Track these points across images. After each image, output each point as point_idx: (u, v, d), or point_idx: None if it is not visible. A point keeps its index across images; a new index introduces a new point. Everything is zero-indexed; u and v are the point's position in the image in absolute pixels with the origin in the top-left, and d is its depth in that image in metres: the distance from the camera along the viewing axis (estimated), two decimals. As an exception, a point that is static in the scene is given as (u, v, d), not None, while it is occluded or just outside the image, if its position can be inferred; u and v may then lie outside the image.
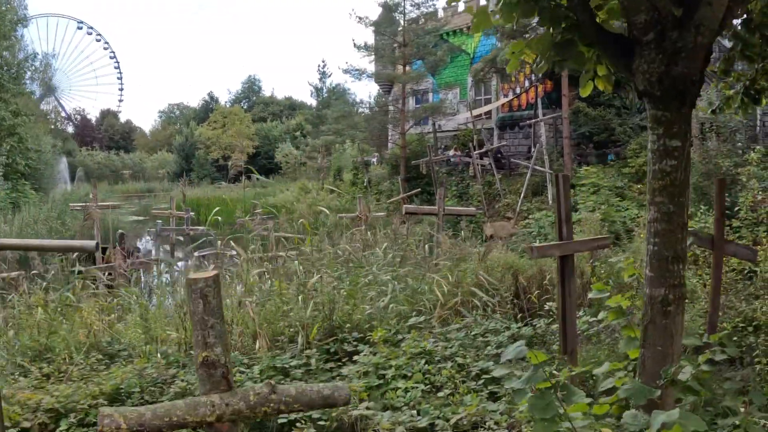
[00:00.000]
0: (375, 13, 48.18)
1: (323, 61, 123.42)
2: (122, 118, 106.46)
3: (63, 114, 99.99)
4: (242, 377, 6.23)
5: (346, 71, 33.79)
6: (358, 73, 33.85)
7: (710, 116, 23.25)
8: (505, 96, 34.67)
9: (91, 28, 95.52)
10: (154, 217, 31.61)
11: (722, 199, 6.41)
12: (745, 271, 9.54)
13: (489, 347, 7.14)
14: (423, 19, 33.38)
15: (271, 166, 70.15)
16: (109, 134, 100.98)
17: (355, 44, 34.24)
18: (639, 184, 24.99)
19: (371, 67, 35.15)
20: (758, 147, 21.73)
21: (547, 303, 8.91)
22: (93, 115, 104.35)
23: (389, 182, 33.61)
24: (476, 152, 28.54)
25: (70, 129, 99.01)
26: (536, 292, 9.82)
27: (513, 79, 34.96)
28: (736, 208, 13.96)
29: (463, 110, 38.02)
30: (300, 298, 8.12)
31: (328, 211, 21.05)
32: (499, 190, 28.92)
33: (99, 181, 68.22)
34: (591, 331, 7.34)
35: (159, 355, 6.94)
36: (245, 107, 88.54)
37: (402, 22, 31.76)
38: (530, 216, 24.31)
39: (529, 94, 33.87)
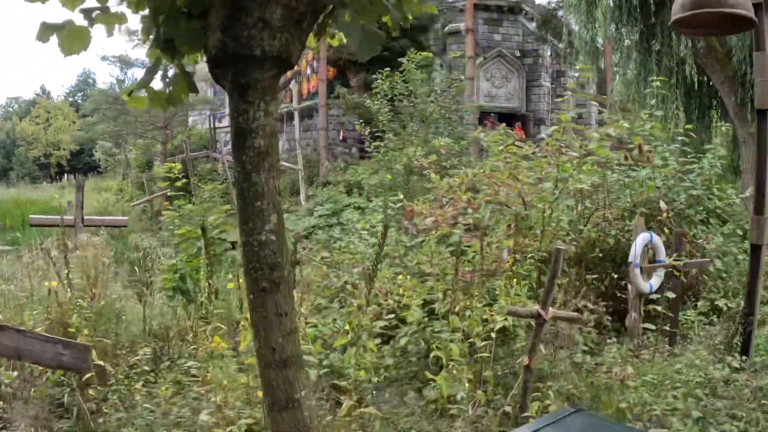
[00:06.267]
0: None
1: (126, 52, 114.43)
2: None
3: None
4: None
5: (103, 58, 29.75)
6: (117, 61, 29.90)
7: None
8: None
9: None
10: None
11: None
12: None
13: None
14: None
15: (94, 164, 64.64)
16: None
17: (119, 28, 30.32)
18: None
19: (137, 53, 31.44)
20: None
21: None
22: None
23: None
24: (226, 147, 25.54)
25: None
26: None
27: (295, 66, 32.40)
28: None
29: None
30: None
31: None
32: (259, 188, 26.11)
33: None
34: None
35: None
36: (79, 101, 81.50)
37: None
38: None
39: (311, 83, 31.51)
